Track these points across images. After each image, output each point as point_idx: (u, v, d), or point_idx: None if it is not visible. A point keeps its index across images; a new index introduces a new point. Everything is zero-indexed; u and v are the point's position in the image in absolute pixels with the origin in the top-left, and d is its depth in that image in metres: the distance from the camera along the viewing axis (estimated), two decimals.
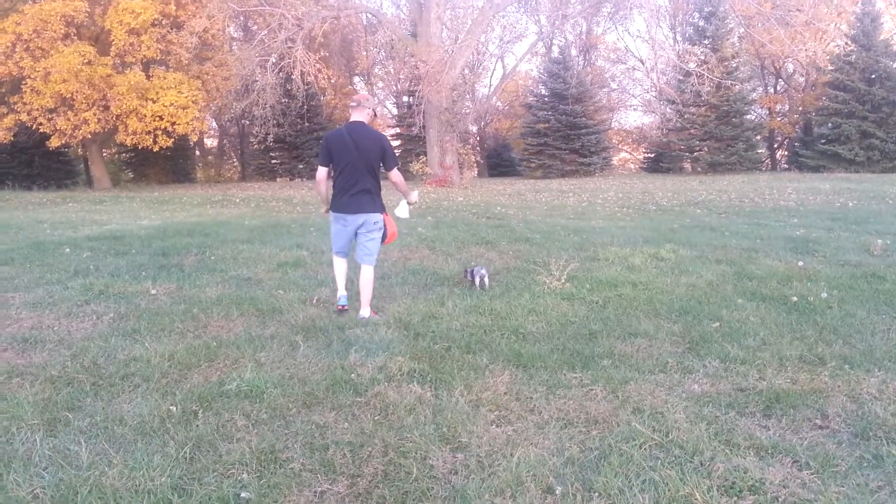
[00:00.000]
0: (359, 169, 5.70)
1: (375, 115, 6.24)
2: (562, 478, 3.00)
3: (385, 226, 5.93)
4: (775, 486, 2.93)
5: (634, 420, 3.57)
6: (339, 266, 6.11)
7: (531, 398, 3.91)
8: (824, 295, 6.14)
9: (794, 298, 6.05)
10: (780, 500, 2.84)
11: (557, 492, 2.82)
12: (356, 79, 49.05)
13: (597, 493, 2.84)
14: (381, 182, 5.96)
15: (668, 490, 2.86)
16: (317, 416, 3.65)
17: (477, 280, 6.66)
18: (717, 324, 5.34)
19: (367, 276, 5.83)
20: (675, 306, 5.88)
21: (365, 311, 5.75)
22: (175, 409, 3.68)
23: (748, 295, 6.29)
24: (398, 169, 5.95)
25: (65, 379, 4.17)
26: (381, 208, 5.90)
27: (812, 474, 3.05)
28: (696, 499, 2.80)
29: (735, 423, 3.57)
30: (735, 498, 2.84)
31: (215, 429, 3.46)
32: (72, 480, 2.91)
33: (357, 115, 5.86)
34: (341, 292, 6.06)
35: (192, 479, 2.96)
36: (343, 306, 5.92)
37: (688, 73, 28.97)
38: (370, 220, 5.84)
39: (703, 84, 26.69)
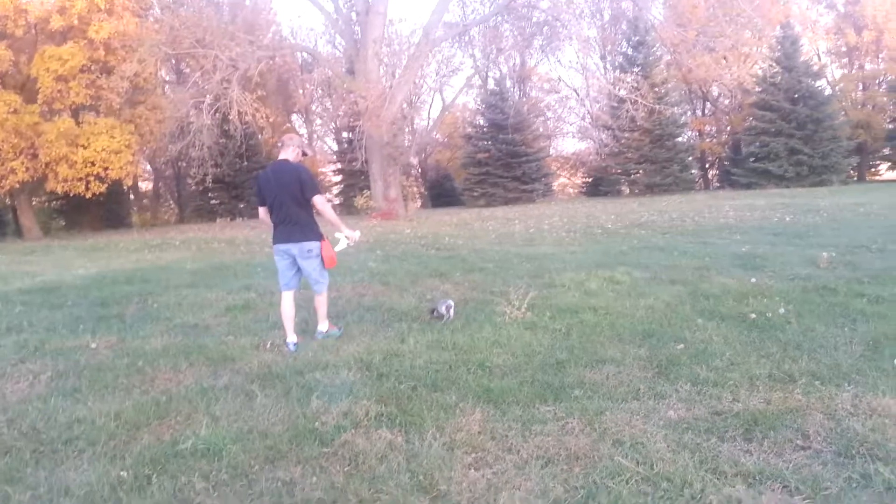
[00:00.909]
0: (284, 203, 5.97)
1: (304, 153, 6.37)
2: None
3: (321, 252, 6.08)
4: None
5: (616, 453, 3.43)
6: (286, 304, 6.12)
7: (507, 436, 3.74)
8: (782, 311, 6.18)
9: (753, 315, 6.06)
10: None
11: None
12: (294, 116, 48.78)
13: None
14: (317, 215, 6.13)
15: None
16: (282, 472, 3.40)
17: (443, 309, 6.52)
18: (682, 346, 5.29)
19: (319, 300, 6.27)
20: (638, 329, 5.82)
21: (322, 326, 6.23)
22: (126, 474, 3.38)
23: (707, 314, 6.28)
24: (324, 199, 6.16)
25: (2, 448, 3.81)
26: (313, 236, 6.06)
27: (805, 500, 2.97)
28: None
29: (717, 449, 3.47)
30: None
31: (172, 494, 3.18)
32: None
33: (284, 154, 6.17)
34: (290, 338, 5.97)
35: None
36: (292, 352, 5.79)
37: (622, 100, 29.63)
38: (303, 248, 6.03)
39: (637, 109, 27.32)
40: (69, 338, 6.53)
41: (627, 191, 38.46)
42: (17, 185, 24.88)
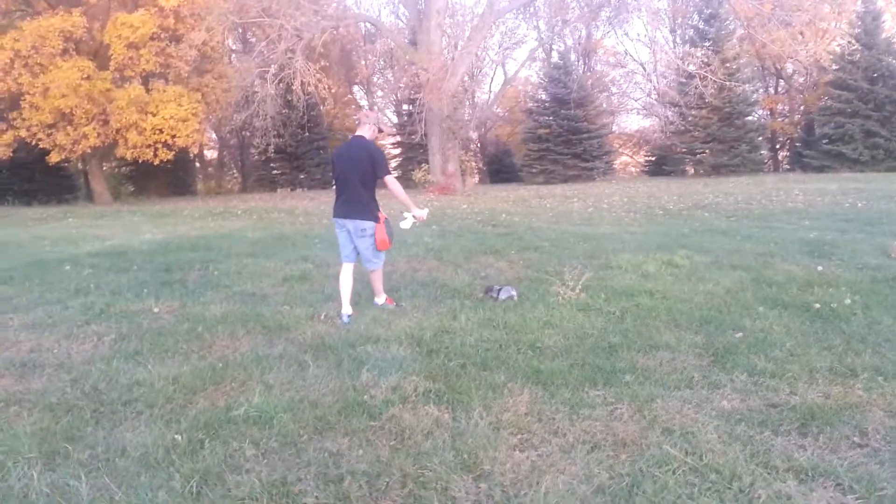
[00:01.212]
0: (349, 179, 6.10)
1: (380, 130, 6.51)
2: None
3: (375, 233, 6.11)
4: None
5: (665, 442, 3.38)
6: (344, 275, 6.25)
7: (554, 419, 3.71)
8: (847, 301, 5.95)
9: (817, 305, 5.86)
10: None
11: None
12: (356, 88, 49.03)
13: None
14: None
15: None
16: (329, 443, 3.46)
17: (502, 295, 6.51)
18: (741, 334, 5.15)
19: (373, 276, 6.44)
20: (695, 316, 5.69)
21: (379, 299, 6.44)
22: (180, 438, 3.50)
23: (769, 302, 6.10)
24: (395, 179, 6.23)
25: (64, 406, 3.99)
26: (370, 216, 6.11)
27: (858, 499, 2.87)
28: None
29: (770, 443, 3.38)
30: None
31: (223, 459, 3.27)
32: None
33: (360, 131, 6.30)
34: (345, 309, 6.07)
35: None
36: (345, 324, 5.89)
37: (690, 76, 28.78)
38: (357, 227, 6.12)
39: (707, 86, 26.51)
40: (133, 301, 6.75)
41: (692, 171, 37.45)
42: (89, 150, 25.77)
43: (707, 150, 34.63)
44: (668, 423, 3.61)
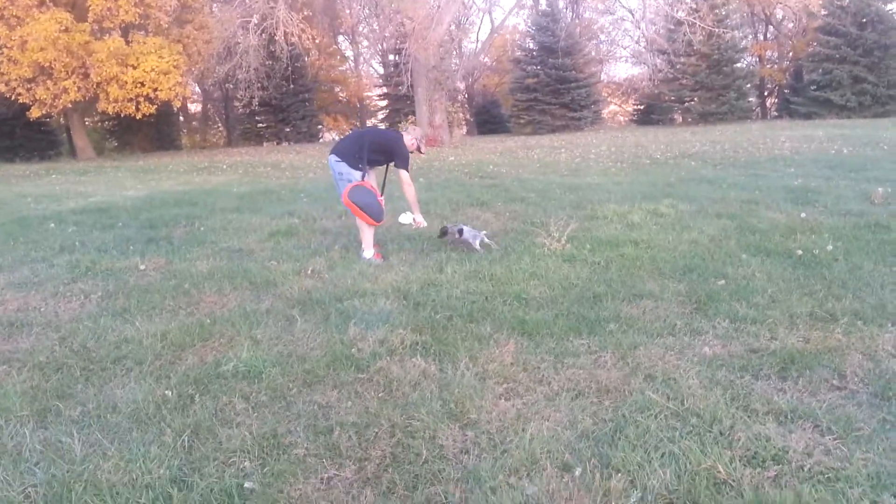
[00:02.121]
0: (363, 144, 6.57)
1: (419, 148, 6.87)
2: (577, 453, 2.88)
3: (361, 210, 6.33)
4: (799, 454, 2.82)
5: (647, 388, 3.45)
6: None
7: (539, 368, 3.78)
8: (829, 247, 6.01)
9: (799, 252, 5.92)
10: (805, 468, 2.72)
11: (577, 472, 2.70)
12: (340, 38, 48.20)
13: (616, 470, 2.72)
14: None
15: (690, 463, 2.75)
16: (318, 395, 3.51)
17: (477, 243, 6.54)
18: (723, 281, 5.21)
19: (361, 225, 6.56)
20: (679, 264, 5.74)
21: (367, 252, 6.50)
22: (170, 393, 3.53)
23: (752, 250, 6.16)
24: (409, 176, 6.64)
25: (54, 365, 4.01)
26: (354, 169, 6.51)
27: (835, 440, 2.94)
28: (718, 471, 2.69)
29: (751, 387, 3.45)
30: (759, 469, 2.72)
31: (213, 414, 3.32)
32: (65, 476, 2.77)
33: (403, 132, 6.88)
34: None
35: (192, 470, 2.82)
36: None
37: (679, 22, 28.49)
38: (337, 168, 6.58)
39: (695, 33, 26.26)
40: (119, 259, 6.74)
41: (680, 119, 37.32)
42: (70, 105, 25.32)
43: (695, 98, 34.50)
44: (651, 369, 3.67)
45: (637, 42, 47.72)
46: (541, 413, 3.25)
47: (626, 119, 49.05)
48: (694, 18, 26.55)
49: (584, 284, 5.31)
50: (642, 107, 42.71)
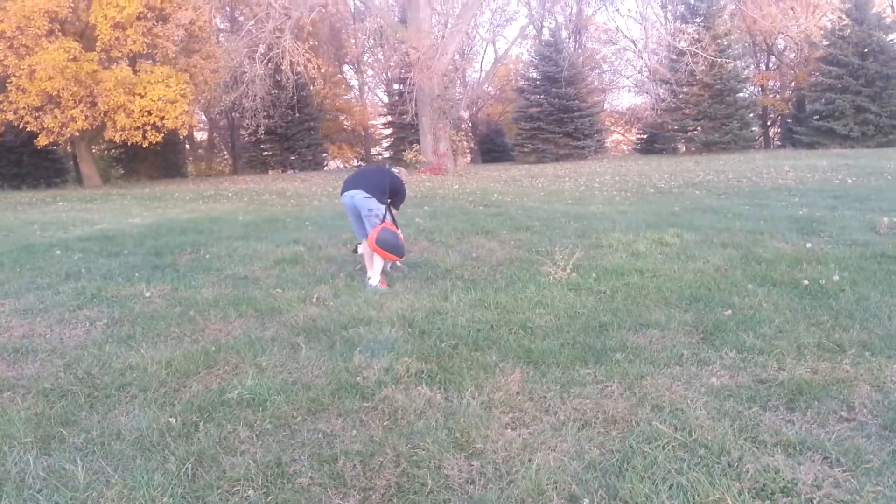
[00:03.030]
0: (359, 185, 6.86)
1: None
2: (584, 484, 2.85)
3: (385, 250, 6.57)
4: (808, 486, 2.79)
5: (654, 418, 3.42)
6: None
7: (545, 397, 3.76)
8: (836, 277, 6.00)
9: (806, 282, 5.91)
10: (814, 501, 2.70)
11: (585, 503, 2.67)
12: (346, 67, 48.70)
13: (623, 502, 2.70)
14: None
15: (698, 495, 2.72)
16: (323, 423, 3.49)
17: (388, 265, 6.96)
18: (730, 311, 5.20)
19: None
20: (685, 294, 5.73)
21: (374, 279, 6.55)
22: (175, 421, 3.52)
23: (758, 280, 6.14)
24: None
25: (58, 391, 4.00)
26: (378, 200, 6.81)
27: (845, 472, 2.91)
28: (727, 503, 2.66)
29: (759, 418, 3.43)
30: (768, 501, 2.70)
31: (217, 441, 3.30)
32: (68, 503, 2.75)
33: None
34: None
35: (196, 499, 2.81)
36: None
37: (681, 53, 28.77)
38: (364, 205, 6.77)
39: (697, 63, 26.49)
40: (125, 286, 6.75)
41: (683, 148, 37.45)
42: (77, 133, 25.49)
43: (698, 128, 34.63)
44: (658, 399, 3.65)
45: (640, 72, 48.04)
46: (547, 443, 3.23)
47: (630, 148, 49.24)
48: (696, 48, 26.80)
49: (589, 313, 5.30)
50: (645, 136, 42.89)
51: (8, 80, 23.60)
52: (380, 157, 45.52)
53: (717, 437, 3.20)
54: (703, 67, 28.60)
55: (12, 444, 3.29)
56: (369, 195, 6.70)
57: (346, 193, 6.85)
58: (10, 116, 24.14)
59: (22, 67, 23.11)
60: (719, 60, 29.54)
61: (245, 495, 2.83)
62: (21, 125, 24.63)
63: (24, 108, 23.88)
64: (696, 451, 3.09)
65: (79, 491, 2.87)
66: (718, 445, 3.12)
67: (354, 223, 7.03)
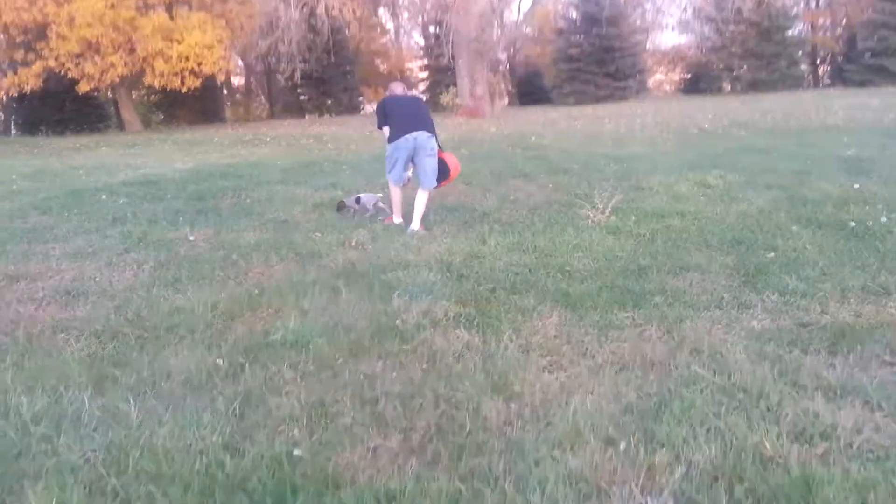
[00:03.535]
0: (418, 113, 7.00)
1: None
2: (621, 427, 2.87)
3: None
4: (848, 430, 2.77)
5: (693, 362, 3.42)
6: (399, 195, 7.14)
7: (583, 341, 3.77)
8: (884, 219, 5.86)
9: (852, 224, 5.78)
10: (854, 446, 2.68)
11: (621, 446, 2.70)
12: (381, 10, 47.86)
13: (660, 444, 2.71)
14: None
15: (736, 438, 2.72)
16: (364, 366, 3.56)
17: (371, 205, 7.20)
18: (773, 254, 5.12)
19: (426, 198, 6.87)
20: (727, 237, 5.65)
21: (416, 224, 6.64)
22: (221, 362, 3.62)
23: (803, 221, 6.02)
24: None
25: (109, 333, 4.13)
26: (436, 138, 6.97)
27: (886, 416, 2.88)
28: (765, 447, 2.66)
29: (800, 362, 3.40)
30: (807, 445, 2.69)
31: (263, 382, 3.39)
32: (122, 441, 2.87)
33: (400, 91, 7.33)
34: (397, 219, 7.02)
35: (244, 437, 2.90)
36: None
37: None
38: (430, 143, 6.83)
39: (745, 0, 25.47)
40: (169, 230, 6.89)
41: (729, 88, 36.36)
42: (117, 80, 25.75)
43: (745, 67, 33.62)
44: (697, 343, 3.64)
45: (684, 10, 46.42)
46: (584, 386, 3.25)
47: (673, 88, 47.92)
48: None
49: (628, 257, 5.27)
50: (689, 76, 41.70)
51: (48, 28, 23.80)
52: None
53: (757, 380, 3.18)
54: (751, 5, 27.53)
55: (68, 384, 3.42)
56: (431, 134, 6.75)
57: (410, 135, 6.68)
58: (52, 63, 24.42)
59: (61, 15, 23.26)
60: None
61: (290, 434, 2.91)
62: (62, 72, 24.90)
63: (64, 55, 24.12)
64: (735, 395, 3.08)
65: (132, 429, 2.98)
66: (758, 389, 3.10)
67: (401, 164, 6.85)
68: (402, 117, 6.79)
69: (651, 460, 2.61)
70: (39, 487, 2.53)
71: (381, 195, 7.42)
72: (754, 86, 32.68)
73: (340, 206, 7.37)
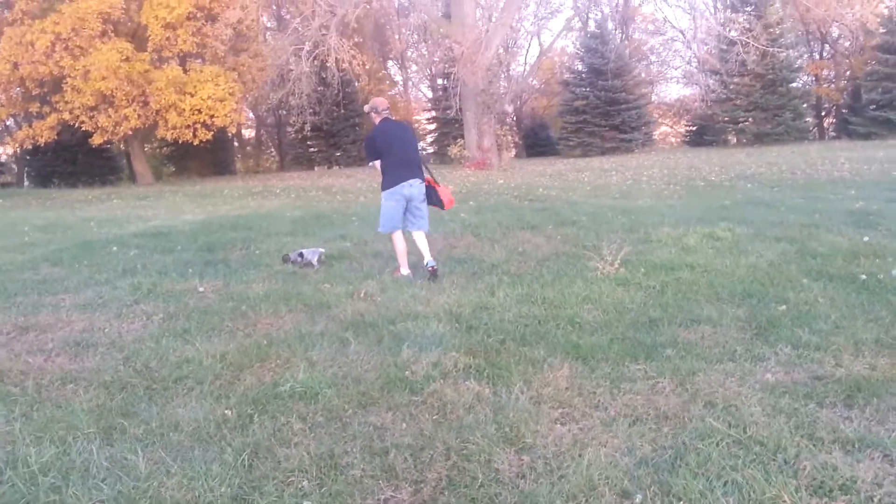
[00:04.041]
0: (407, 150, 6.99)
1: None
2: (636, 480, 2.83)
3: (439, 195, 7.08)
4: (868, 484, 2.73)
5: (708, 415, 3.38)
6: (402, 239, 7.12)
7: (595, 393, 3.74)
8: (894, 272, 5.83)
9: (863, 276, 5.76)
10: (874, 499, 2.64)
11: (637, 499, 2.65)
12: (390, 63, 48.85)
13: (677, 498, 2.67)
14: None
15: (754, 492, 2.68)
16: (374, 417, 3.53)
17: (315, 259, 7.32)
18: (784, 307, 5.09)
19: (425, 238, 7.06)
20: (738, 289, 5.63)
21: (429, 257, 6.89)
22: (230, 413, 3.60)
23: (813, 274, 6.00)
24: None
25: (118, 384, 4.13)
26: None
27: None
28: (784, 501, 2.62)
29: (816, 415, 3.35)
30: (826, 499, 2.65)
31: (272, 433, 3.37)
32: (130, 492, 2.84)
33: (386, 115, 7.25)
34: (405, 270, 6.96)
35: (252, 489, 2.87)
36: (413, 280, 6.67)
37: (731, 42, 28.12)
38: (423, 189, 6.96)
39: (749, 52, 25.86)
40: (179, 281, 6.91)
41: (734, 140, 36.61)
42: (130, 132, 26.18)
43: (750, 119, 33.86)
44: (711, 396, 3.60)
45: (688, 62, 47.18)
46: (598, 438, 3.21)
47: (678, 140, 48.31)
48: (747, 38, 26.13)
49: (638, 309, 5.25)
50: (694, 128, 42.06)
51: (63, 81, 24.33)
52: (424, 152, 45.60)
53: (773, 433, 3.14)
54: (755, 57, 27.82)
55: (76, 435, 3.41)
56: (422, 179, 6.92)
57: (407, 183, 6.76)
58: (66, 116, 24.89)
59: (77, 68, 23.78)
60: (771, 50, 28.78)
61: (300, 486, 2.88)
62: (76, 124, 25.37)
63: (79, 107, 24.59)
64: (751, 448, 3.04)
65: (140, 480, 2.95)
66: (774, 442, 3.06)
67: (400, 213, 6.86)
68: (397, 161, 6.81)
69: None
70: None
71: (324, 250, 7.73)
72: (760, 138, 32.92)
73: (285, 259, 7.63)
